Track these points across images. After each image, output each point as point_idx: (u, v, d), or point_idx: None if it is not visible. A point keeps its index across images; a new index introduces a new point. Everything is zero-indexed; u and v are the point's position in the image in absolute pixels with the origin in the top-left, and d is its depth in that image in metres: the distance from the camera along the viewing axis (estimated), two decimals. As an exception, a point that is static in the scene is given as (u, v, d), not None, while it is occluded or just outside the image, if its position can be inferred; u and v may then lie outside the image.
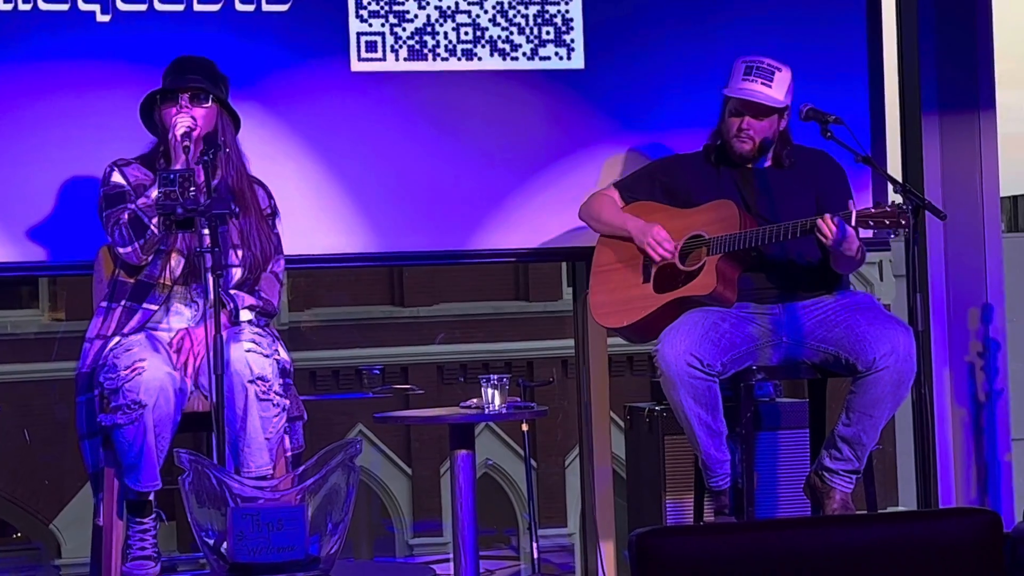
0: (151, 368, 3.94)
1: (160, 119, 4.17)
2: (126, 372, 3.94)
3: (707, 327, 4.23)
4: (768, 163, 4.44)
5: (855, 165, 4.29)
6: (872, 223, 4.08)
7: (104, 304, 4.16)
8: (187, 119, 4.08)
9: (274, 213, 4.30)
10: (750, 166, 4.42)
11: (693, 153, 4.51)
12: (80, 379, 4.12)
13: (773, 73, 4.34)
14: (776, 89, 4.34)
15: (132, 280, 4.14)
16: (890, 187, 4.24)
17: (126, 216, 4.09)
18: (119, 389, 3.93)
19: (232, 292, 4.13)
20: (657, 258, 4.35)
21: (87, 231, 4.53)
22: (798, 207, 4.34)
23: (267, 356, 4.01)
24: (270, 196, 4.30)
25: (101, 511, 4.07)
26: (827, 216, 4.13)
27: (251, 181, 4.27)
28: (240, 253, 4.17)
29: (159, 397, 3.92)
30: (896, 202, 4.08)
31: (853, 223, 4.10)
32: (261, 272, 4.21)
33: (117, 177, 4.18)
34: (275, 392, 4.00)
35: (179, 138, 4.04)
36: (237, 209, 4.04)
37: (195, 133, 4.07)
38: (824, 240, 4.14)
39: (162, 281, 4.13)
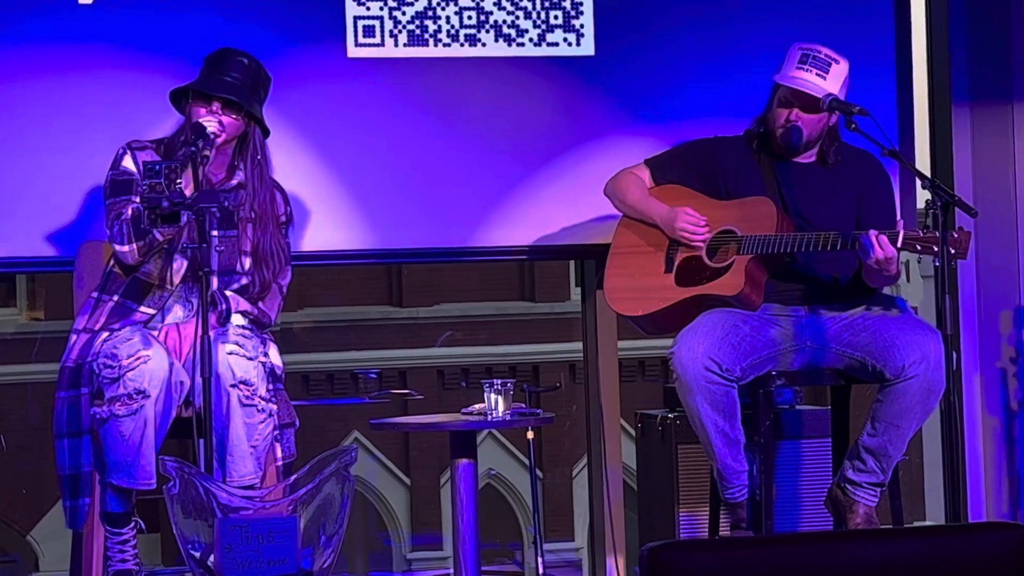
0: (155, 358, 3.95)
1: (188, 112, 4.17)
2: (129, 360, 3.94)
3: (727, 329, 4.22)
4: (812, 159, 4.40)
5: (881, 159, 4.28)
6: (919, 248, 4.05)
7: (95, 295, 4.16)
8: (214, 124, 4.08)
9: (288, 221, 4.30)
10: (792, 160, 4.39)
11: (733, 137, 4.47)
12: (64, 373, 4.10)
13: (830, 65, 4.29)
14: (831, 82, 4.28)
15: (129, 274, 4.14)
16: (918, 182, 4.23)
17: (129, 212, 4.07)
18: (119, 379, 3.93)
19: (228, 294, 4.13)
20: (699, 242, 4.31)
21: (68, 224, 4.53)
22: (837, 210, 4.32)
23: (251, 359, 4.01)
24: (287, 202, 4.31)
25: (83, 515, 4.05)
26: (873, 233, 4.09)
27: (273, 189, 4.27)
28: (248, 263, 4.17)
29: (162, 389, 3.94)
30: (942, 229, 4.01)
31: (899, 244, 4.08)
32: (269, 286, 4.21)
33: (127, 162, 4.16)
34: (260, 397, 4.00)
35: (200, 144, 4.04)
36: (226, 203, 4.04)
37: (219, 139, 4.08)
38: (866, 258, 4.12)
39: (165, 284, 4.11)
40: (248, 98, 4.15)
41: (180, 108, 4.22)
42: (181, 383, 4.01)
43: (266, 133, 4.23)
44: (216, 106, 4.12)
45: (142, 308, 4.12)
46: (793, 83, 4.30)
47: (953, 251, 3.99)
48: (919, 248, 4.06)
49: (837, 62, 4.31)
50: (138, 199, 4.05)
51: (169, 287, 4.12)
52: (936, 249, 3.99)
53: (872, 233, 4.10)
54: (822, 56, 4.30)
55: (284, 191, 4.32)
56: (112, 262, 4.17)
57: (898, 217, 4.26)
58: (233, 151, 4.20)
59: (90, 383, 4.03)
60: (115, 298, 4.12)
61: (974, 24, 5.18)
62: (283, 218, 4.28)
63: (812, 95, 4.28)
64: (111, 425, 3.94)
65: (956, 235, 4.00)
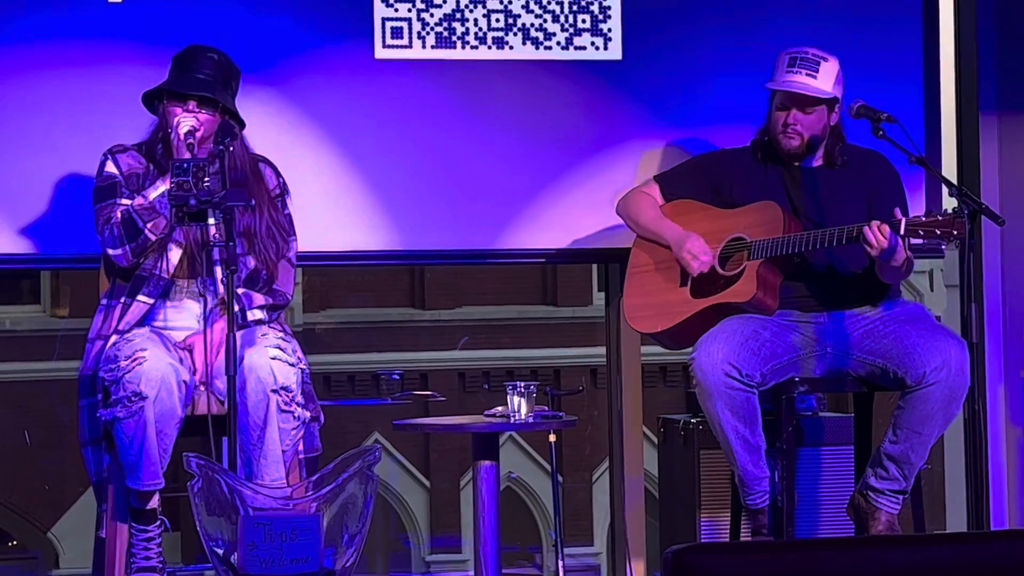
0: (152, 358, 3.96)
1: (163, 111, 4.18)
2: (126, 363, 3.96)
3: (747, 335, 4.22)
4: (819, 162, 4.42)
5: (908, 166, 4.27)
6: (923, 232, 4.05)
7: (104, 302, 4.18)
8: (191, 120, 4.10)
9: (283, 192, 4.30)
10: (799, 164, 4.41)
11: (740, 148, 4.51)
12: (82, 382, 4.13)
13: (819, 63, 4.33)
14: (822, 80, 4.32)
15: (131, 275, 4.16)
16: (945, 190, 4.22)
17: (119, 215, 4.09)
18: (119, 380, 3.95)
19: (241, 292, 4.13)
20: (694, 272, 4.35)
21: (93, 221, 4.54)
22: (848, 210, 4.32)
23: (292, 365, 4.02)
24: (278, 174, 4.31)
25: (104, 522, 4.08)
26: (875, 224, 4.11)
27: (256, 163, 4.26)
28: (244, 244, 4.17)
29: (160, 389, 3.94)
30: (949, 210, 4.05)
31: (902, 232, 4.08)
32: (276, 267, 4.21)
33: (110, 167, 4.19)
34: (296, 403, 4.02)
35: (183, 137, 4.06)
36: (254, 202, 4.05)
37: (198, 134, 4.09)
38: (870, 249, 4.13)
39: (159, 272, 4.14)
40: (222, 93, 4.17)
41: (152, 109, 4.23)
42: (184, 382, 4.01)
43: (241, 125, 4.23)
44: (191, 104, 4.14)
45: (140, 297, 4.13)
46: (785, 86, 4.33)
47: (956, 233, 3.99)
48: (922, 233, 4.05)
49: (826, 60, 4.34)
50: (124, 201, 4.09)
51: (165, 276, 4.13)
52: (939, 232, 4.00)
53: (874, 224, 4.10)
54: (810, 56, 4.33)
55: (272, 164, 4.31)
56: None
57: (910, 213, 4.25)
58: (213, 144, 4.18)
59: (101, 389, 4.06)
60: (123, 299, 4.15)
61: (1002, 32, 5.17)
62: (276, 191, 4.28)
63: (807, 95, 4.29)
64: (117, 427, 3.97)
65: (943, 216, 4.01)
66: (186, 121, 4.09)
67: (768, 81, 4.38)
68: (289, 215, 4.28)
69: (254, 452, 3.97)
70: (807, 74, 4.32)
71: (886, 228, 4.09)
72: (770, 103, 4.40)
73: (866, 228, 4.11)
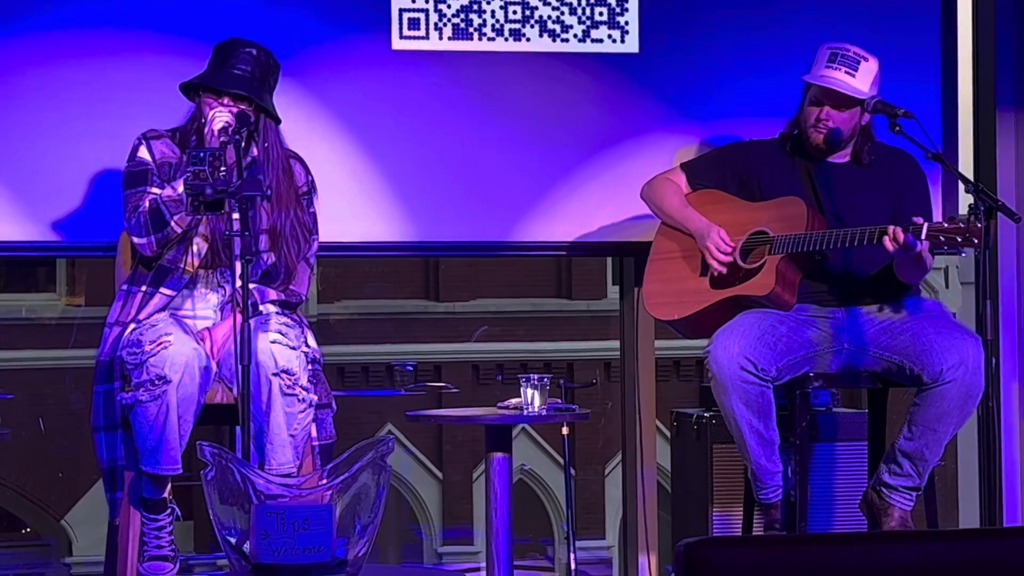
0: (177, 343, 3.97)
1: (199, 102, 4.19)
2: (151, 347, 3.96)
3: (763, 329, 4.21)
4: (845, 159, 4.41)
5: (925, 162, 4.27)
6: (943, 239, 4.04)
7: (125, 287, 4.19)
8: (226, 115, 4.11)
9: (311, 190, 4.30)
10: (827, 160, 4.39)
11: (768, 140, 4.48)
12: (99, 367, 4.13)
13: (859, 62, 4.31)
14: (860, 79, 4.30)
15: (153, 264, 4.17)
16: (961, 186, 4.21)
17: (147, 204, 4.10)
18: (143, 364, 3.96)
19: (253, 286, 4.13)
20: (716, 265, 4.34)
21: (111, 210, 4.55)
22: (873, 209, 4.31)
23: (294, 348, 4.02)
24: (308, 171, 4.31)
25: (118, 509, 4.08)
26: (894, 229, 4.09)
27: (287, 159, 4.26)
28: (265, 241, 4.17)
29: (184, 374, 3.95)
30: (971, 218, 4.01)
31: (923, 237, 4.06)
32: (295, 267, 4.22)
33: (143, 152, 4.20)
34: (301, 387, 4.01)
35: (216, 133, 4.07)
36: (270, 192, 4.06)
37: (231, 130, 4.09)
38: (888, 251, 4.12)
39: (183, 266, 4.15)
40: (259, 91, 4.17)
41: (188, 95, 4.24)
42: (206, 369, 4.02)
43: (276, 122, 4.23)
44: (227, 99, 4.15)
45: (162, 289, 4.14)
46: (823, 81, 4.31)
47: (976, 241, 3.98)
48: (943, 239, 4.04)
49: (866, 59, 4.32)
50: (154, 189, 4.10)
51: (189, 270, 4.14)
52: (960, 240, 3.99)
53: (893, 229, 4.09)
54: (851, 54, 4.31)
55: (301, 159, 4.31)
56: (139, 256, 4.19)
57: (937, 213, 4.24)
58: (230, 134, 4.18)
59: (120, 374, 4.06)
60: (144, 288, 4.16)
61: (1020, 28, 5.15)
62: (304, 188, 4.28)
63: (842, 93, 4.28)
64: (137, 411, 3.97)
65: (980, 225, 3.99)
66: (221, 117, 4.09)
67: (805, 73, 4.35)
68: (314, 213, 4.28)
69: (261, 437, 3.97)
70: (846, 72, 4.29)
71: (898, 231, 4.07)
72: (804, 95, 4.38)
73: (886, 236, 4.09)
